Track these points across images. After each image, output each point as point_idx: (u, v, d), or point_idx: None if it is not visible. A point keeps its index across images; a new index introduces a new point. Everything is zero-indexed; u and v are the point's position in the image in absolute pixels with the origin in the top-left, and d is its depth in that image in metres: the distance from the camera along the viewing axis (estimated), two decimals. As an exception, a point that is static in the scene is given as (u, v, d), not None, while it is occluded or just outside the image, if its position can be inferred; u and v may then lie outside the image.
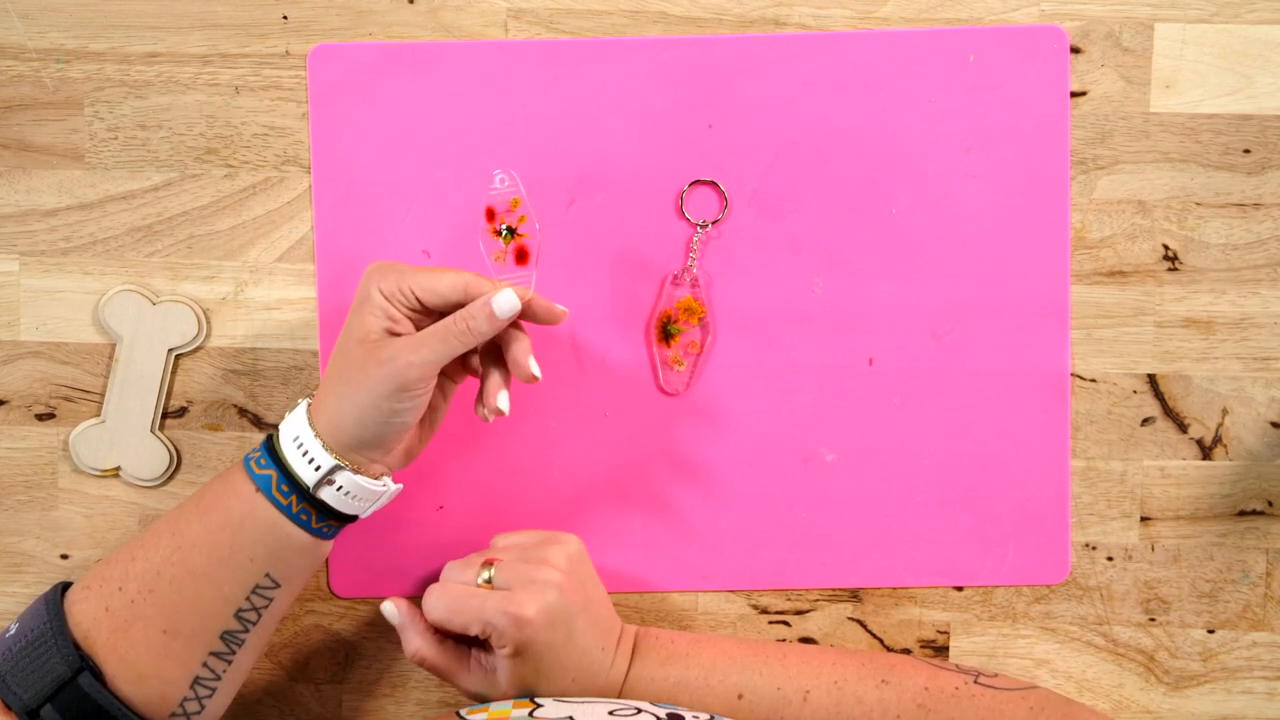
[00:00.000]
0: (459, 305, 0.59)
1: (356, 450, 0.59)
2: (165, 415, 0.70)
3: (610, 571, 0.70)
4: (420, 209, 0.68)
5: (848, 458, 0.69)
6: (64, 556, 0.70)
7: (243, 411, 0.70)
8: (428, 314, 0.60)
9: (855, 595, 0.70)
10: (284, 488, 0.58)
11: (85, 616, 0.59)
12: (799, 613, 0.70)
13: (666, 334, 0.68)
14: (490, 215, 0.64)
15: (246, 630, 0.60)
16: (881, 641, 0.70)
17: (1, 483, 0.70)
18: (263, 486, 0.58)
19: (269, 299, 0.69)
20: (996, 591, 0.70)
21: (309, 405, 0.60)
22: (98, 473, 0.70)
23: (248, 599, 0.60)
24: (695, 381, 0.69)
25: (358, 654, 0.71)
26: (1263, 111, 0.68)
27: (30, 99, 0.69)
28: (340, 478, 0.58)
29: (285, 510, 0.59)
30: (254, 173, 0.69)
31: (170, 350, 0.69)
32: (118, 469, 0.69)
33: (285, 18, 0.69)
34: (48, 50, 0.69)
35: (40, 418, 0.70)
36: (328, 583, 0.70)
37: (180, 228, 0.69)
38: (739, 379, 0.69)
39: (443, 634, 0.63)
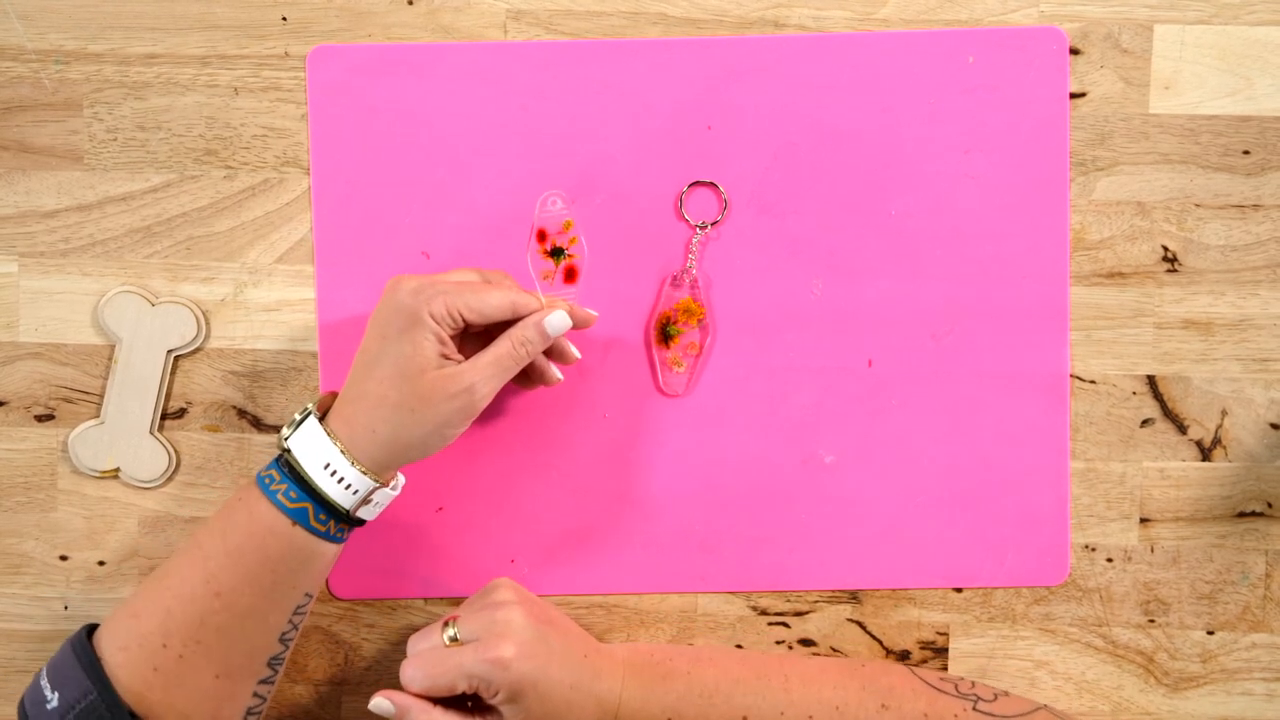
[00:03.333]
0: (501, 322, 0.60)
1: (394, 466, 0.59)
2: (164, 416, 0.70)
3: (609, 572, 0.70)
4: (419, 210, 0.68)
5: (847, 459, 0.69)
6: (63, 558, 0.70)
7: (242, 413, 0.70)
8: (467, 330, 0.60)
9: (855, 597, 0.70)
10: (321, 516, 0.58)
11: (134, 679, 0.58)
12: (798, 614, 0.70)
13: (666, 335, 0.68)
14: (541, 236, 0.65)
15: (288, 649, 0.61)
16: (881, 643, 0.70)
17: (1, 484, 0.70)
18: (300, 520, 0.58)
19: (268, 300, 0.69)
20: (996, 593, 0.70)
21: (325, 425, 0.59)
22: (97, 474, 0.70)
23: (289, 621, 0.60)
24: (695, 383, 0.69)
25: (358, 654, 0.71)
26: (1262, 113, 0.68)
27: (29, 100, 0.69)
28: (376, 495, 0.60)
29: (324, 535, 0.59)
30: (253, 174, 0.69)
31: (169, 351, 0.69)
32: (117, 470, 0.69)
33: (284, 19, 0.69)
34: (47, 51, 0.69)
35: (39, 419, 0.70)
36: (327, 584, 0.70)
37: (179, 229, 0.69)
38: (738, 380, 0.69)
39: (441, 703, 0.61)
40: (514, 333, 0.60)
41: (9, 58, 0.69)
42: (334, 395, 0.61)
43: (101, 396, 0.69)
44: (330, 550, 0.60)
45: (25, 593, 0.70)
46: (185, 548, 0.60)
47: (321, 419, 0.59)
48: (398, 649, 0.71)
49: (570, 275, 0.65)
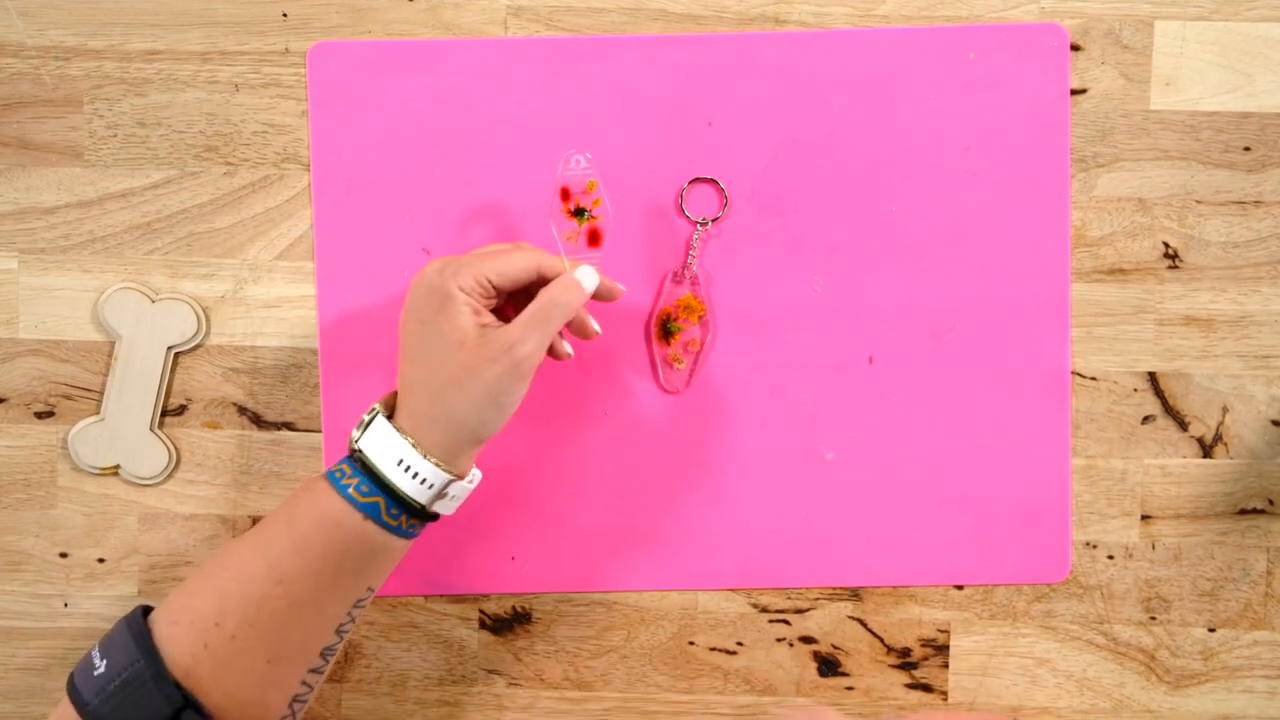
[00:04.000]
0: (530, 283, 0.60)
1: (465, 451, 0.58)
2: (164, 413, 0.70)
3: (610, 570, 0.70)
4: (419, 206, 0.68)
5: (848, 456, 0.69)
6: (63, 555, 0.70)
7: (242, 409, 0.70)
8: (498, 296, 0.60)
9: (855, 594, 0.70)
10: (393, 511, 0.58)
11: (183, 654, 0.57)
12: (799, 611, 0.70)
13: (666, 332, 0.68)
14: (565, 195, 0.63)
15: (342, 639, 0.60)
16: (882, 640, 0.70)
17: (0, 481, 0.70)
18: (371, 515, 0.57)
19: (268, 297, 0.69)
20: (997, 590, 0.70)
21: (392, 421, 0.58)
22: (97, 471, 0.69)
23: (348, 613, 0.59)
24: (695, 380, 0.69)
25: (358, 653, 0.71)
26: (1263, 109, 0.68)
27: (29, 96, 0.69)
28: (452, 489, 0.59)
29: (396, 530, 0.58)
30: (253, 170, 0.69)
31: (169, 348, 0.69)
32: (117, 467, 0.69)
33: (285, 15, 0.68)
34: (47, 48, 0.69)
35: (39, 416, 0.70)
36: (327, 581, 0.70)
37: (179, 225, 0.69)
38: (739, 377, 0.69)
39: None
40: (549, 289, 0.59)
41: (9, 54, 0.69)
42: (396, 394, 0.61)
43: (101, 393, 0.69)
44: (399, 545, 0.59)
45: (25, 590, 0.70)
46: (248, 534, 0.60)
47: (389, 416, 0.59)
48: (398, 646, 0.71)
49: (594, 238, 0.64)
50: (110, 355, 0.69)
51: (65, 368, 0.69)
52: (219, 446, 0.70)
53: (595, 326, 0.63)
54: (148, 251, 0.69)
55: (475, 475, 0.61)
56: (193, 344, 0.69)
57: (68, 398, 0.70)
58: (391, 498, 0.57)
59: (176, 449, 0.70)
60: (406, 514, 0.58)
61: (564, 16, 0.68)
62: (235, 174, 0.69)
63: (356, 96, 0.68)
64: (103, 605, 0.70)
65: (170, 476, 0.70)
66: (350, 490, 0.57)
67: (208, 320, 0.69)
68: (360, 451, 0.58)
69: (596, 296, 0.62)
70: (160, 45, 0.68)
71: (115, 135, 0.69)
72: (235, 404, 0.70)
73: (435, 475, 0.57)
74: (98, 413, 0.69)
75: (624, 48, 0.68)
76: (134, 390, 0.69)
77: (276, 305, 0.69)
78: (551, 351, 0.63)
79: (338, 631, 0.59)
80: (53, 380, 0.70)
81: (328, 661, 0.60)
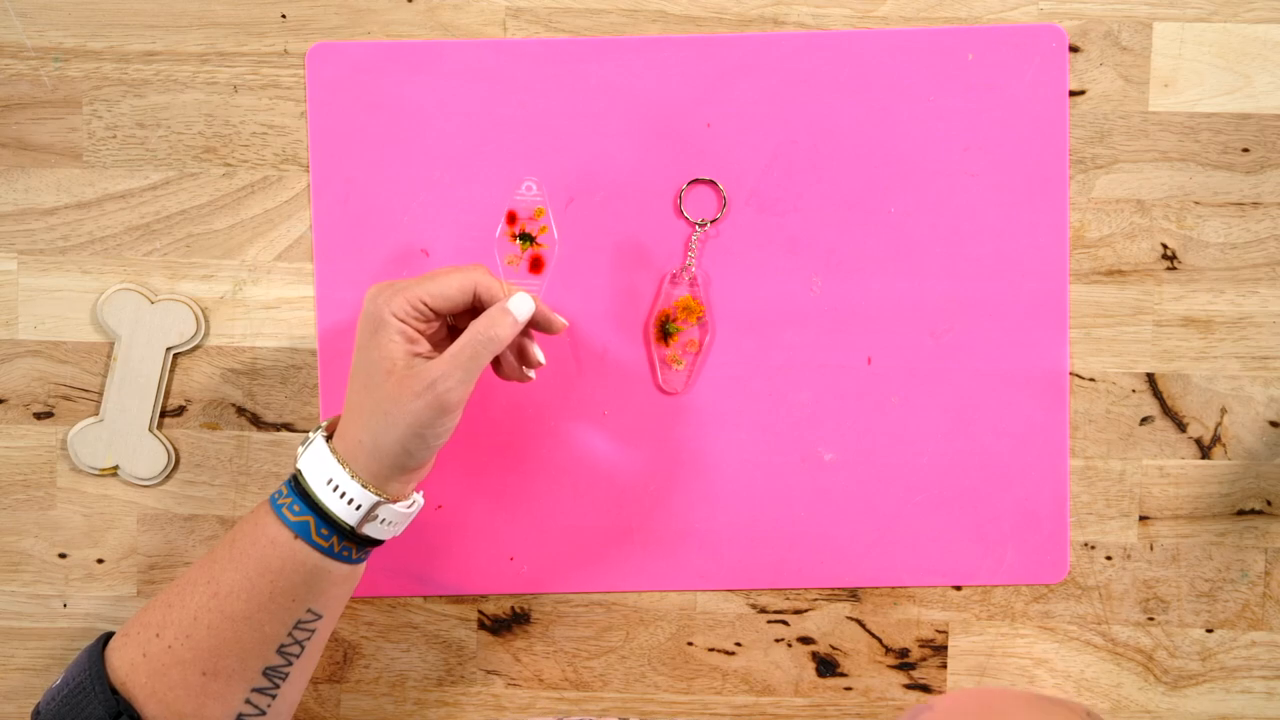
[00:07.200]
0: (469, 304, 0.59)
1: (395, 478, 0.58)
2: (163, 414, 0.70)
3: (609, 570, 0.70)
4: (418, 207, 0.68)
5: (846, 457, 0.69)
6: (62, 555, 0.70)
7: (241, 410, 0.70)
8: (439, 319, 0.60)
9: (854, 594, 0.70)
10: (323, 531, 0.58)
11: (123, 662, 0.59)
12: (797, 612, 0.70)
13: (665, 333, 0.68)
14: (511, 219, 0.64)
15: (290, 664, 0.60)
16: (880, 641, 0.70)
17: (0, 481, 0.70)
18: (301, 533, 0.58)
19: (267, 298, 0.69)
20: (995, 591, 0.70)
21: (329, 441, 0.59)
22: (96, 471, 0.69)
23: (290, 634, 0.59)
24: (694, 381, 0.69)
25: (357, 653, 0.71)
26: (1261, 110, 0.68)
27: (28, 97, 0.69)
28: (381, 511, 0.58)
29: (327, 551, 0.58)
30: (252, 171, 0.69)
31: (168, 349, 0.69)
32: (116, 468, 0.69)
33: (284, 16, 0.68)
34: (46, 49, 0.69)
35: (38, 416, 0.70)
36: (326, 582, 0.70)
37: (178, 226, 0.69)
38: (737, 378, 0.69)
39: None
40: (476, 323, 0.58)
41: (8, 55, 0.69)
42: None
43: (100, 394, 0.69)
44: (338, 569, 0.59)
45: (24, 590, 0.70)
46: (204, 556, 0.61)
47: (330, 437, 0.59)
48: (397, 647, 0.71)
49: (536, 265, 0.64)
50: (109, 356, 0.69)
51: (64, 368, 0.69)
52: (218, 447, 0.70)
53: (539, 357, 0.62)
54: (147, 252, 0.69)
55: (416, 500, 0.61)
56: (192, 345, 0.69)
57: (67, 398, 0.70)
58: (321, 517, 0.58)
59: (175, 450, 0.70)
60: (338, 536, 0.58)
61: (563, 18, 0.68)
62: (234, 175, 0.69)
63: (355, 98, 0.68)
64: (102, 606, 0.70)
65: (169, 477, 0.70)
66: (284, 510, 0.58)
67: (207, 321, 0.69)
68: (298, 470, 0.59)
69: (535, 327, 0.61)
70: (159, 46, 0.69)
71: (114, 136, 0.69)
72: (234, 405, 0.70)
73: (363, 496, 0.57)
74: (97, 413, 0.69)
75: (623, 49, 0.68)
76: (133, 391, 0.69)
77: (275, 306, 0.69)
78: (509, 374, 0.62)
79: (280, 653, 0.59)
80: (52, 381, 0.70)
81: (275, 684, 0.60)
